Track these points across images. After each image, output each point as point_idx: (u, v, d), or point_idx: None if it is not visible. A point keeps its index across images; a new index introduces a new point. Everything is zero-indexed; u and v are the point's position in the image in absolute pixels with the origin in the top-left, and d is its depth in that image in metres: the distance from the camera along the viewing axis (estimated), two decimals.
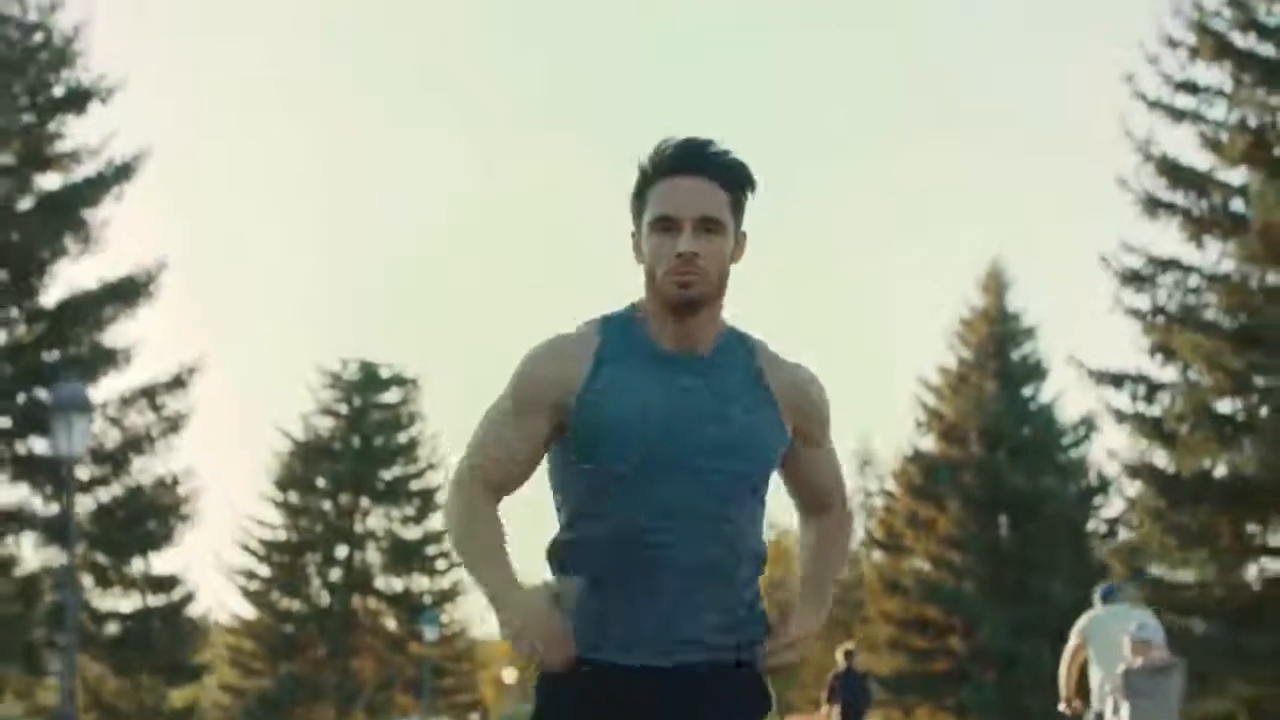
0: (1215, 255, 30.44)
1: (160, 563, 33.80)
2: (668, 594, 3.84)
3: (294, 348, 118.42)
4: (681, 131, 3.88)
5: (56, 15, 32.68)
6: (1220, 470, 30.30)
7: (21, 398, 31.30)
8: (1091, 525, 46.56)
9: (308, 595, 54.28)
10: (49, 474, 31.06)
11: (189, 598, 34.37)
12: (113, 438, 31.81)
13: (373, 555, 55.05)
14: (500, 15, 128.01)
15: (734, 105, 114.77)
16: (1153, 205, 30.50)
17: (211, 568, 57.67)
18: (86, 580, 31.14)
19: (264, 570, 53.99)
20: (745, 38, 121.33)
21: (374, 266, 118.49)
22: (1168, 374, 30.96)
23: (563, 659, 3.76)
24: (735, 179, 3.89)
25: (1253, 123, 30.12)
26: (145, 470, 33.01)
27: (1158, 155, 30.51)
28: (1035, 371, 48.60)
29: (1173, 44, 30.60)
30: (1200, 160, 30.84)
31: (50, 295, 32.46)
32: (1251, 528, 30.04)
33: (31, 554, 31.87)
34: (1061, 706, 13.52)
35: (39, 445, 31.28)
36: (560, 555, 3.98)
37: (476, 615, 60.61)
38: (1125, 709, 12.47)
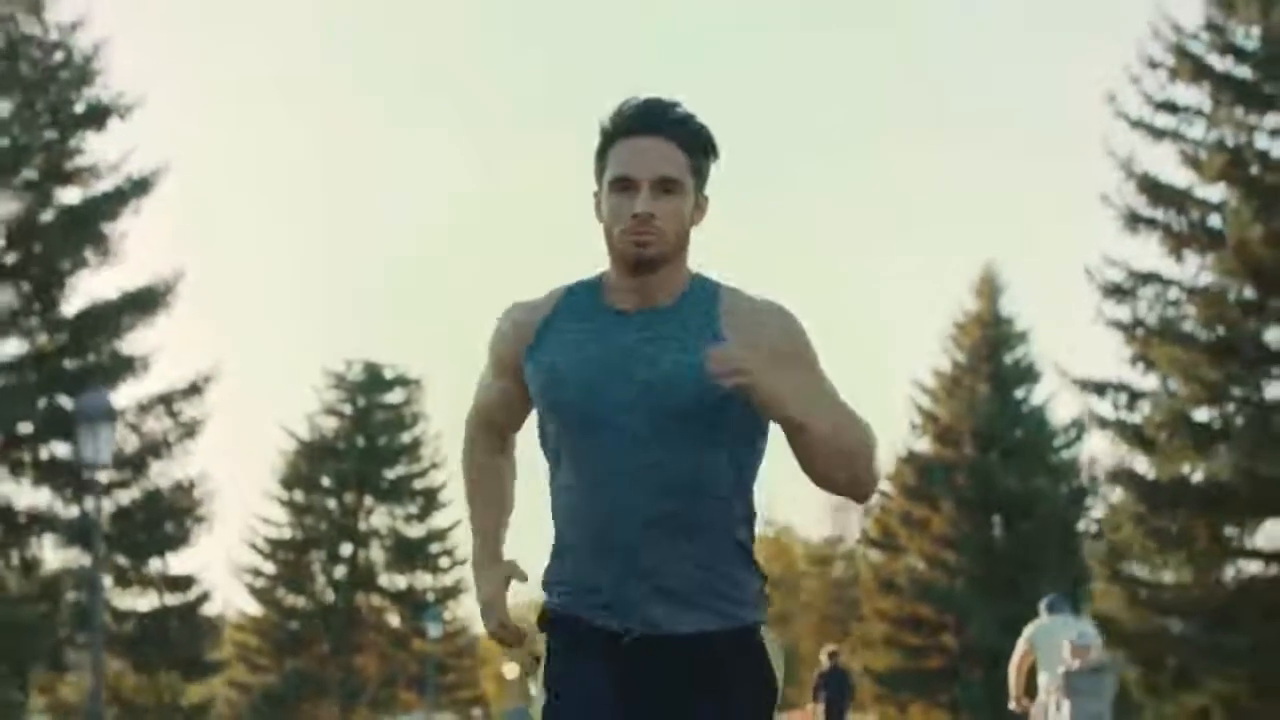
0: (1194, 269, 31.64)
1: (177, 563, 34.98)
2: (623, 550, 3.84)
3: (299, 349, 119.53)
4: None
5: (77, 34, 33.53)
6: (1198, 476, 31.45)
7: (43, 404, 32.20)
8: (1082, 525, 47.66)
9: (313, 592, 55.59)
10: (69, 478, 31.96)
11: (205, 597, 35.55)
12: (132, 443, 32.96)
13: (376, 553, 56.42)
14: (500, 15, 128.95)
15: (732, 105, 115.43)
16: (1134, 221, 31.66)
17: (221, 567, 58.70)
18: (106, 580, 31.83)
19: (269, 568, 55.32)
20: (744, 38, 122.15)
21: (377, 268, 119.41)
22: (1149, 383, 32.12)
23: (506, 641, 4.03)
24: (695, 141, 3.91)
25: (1230, 142, 31.30)
26: (163, 474, 34.05)
27: (1139, 173, 31.70)
28: (1027, 375, 49.85)
29: (1153, 65, 31.82)
30: (1180, 178, 32.02)
31: (71, 305, 33.26)
32: (1228, 531, 31.14)
33: (52, 555, 32.95)
34: (1012, 705, 15.15)
35: (60, 450, 32.15)
36: (552, 514, 4.05)
37: (478, 612, 61.81)
38: (1066, 705, 14.03)
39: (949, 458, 49.25)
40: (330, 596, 55.36)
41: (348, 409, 56.94)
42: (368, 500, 56.21)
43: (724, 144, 3.95)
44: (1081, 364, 66.82)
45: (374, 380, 57.16)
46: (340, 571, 55.73)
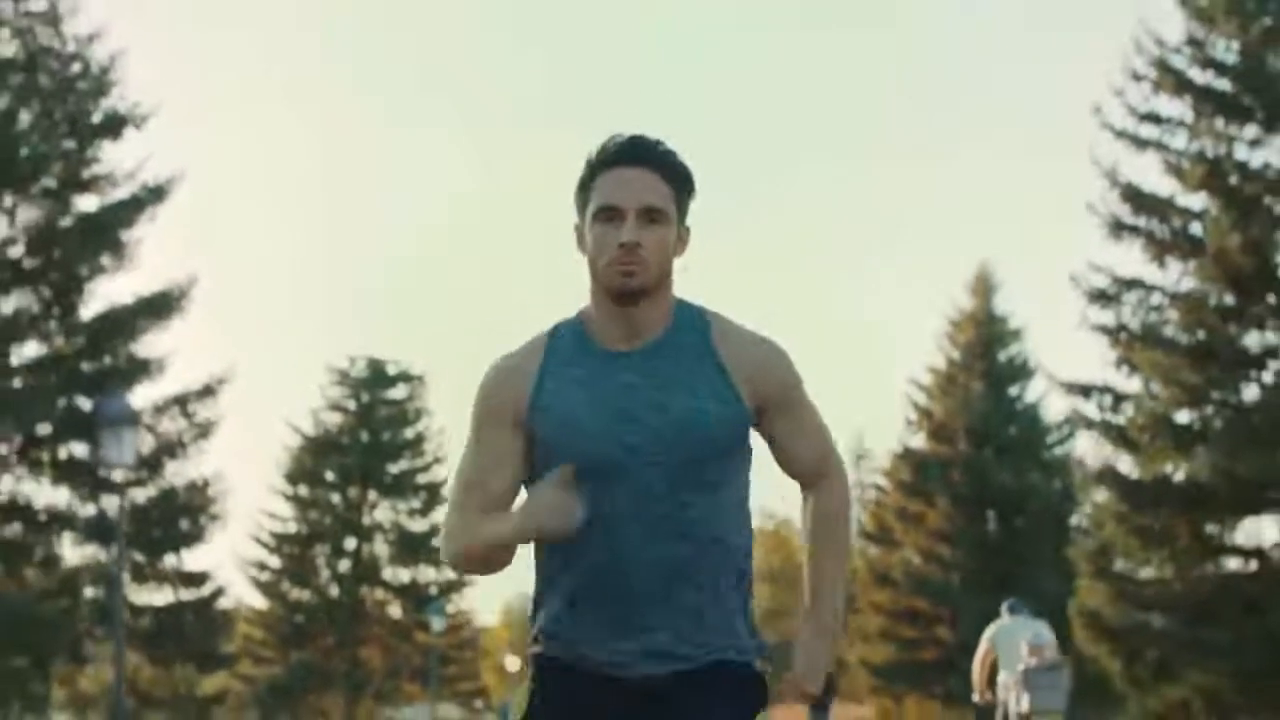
0: (1176, 275, 32.66)
1: (192, 559, 36.20)
2: (630, 596, 3.86)
3: (303, 348, 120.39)
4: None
5: (94, 46, 34.36)
6: (1179, 476, 32.46)
7: (62, 405, 32.96)
8: (1075, 520, 48.81)
9: (317, 586, 56.05)
10: (87, 477, 33.09)
11: (219, 592, 36.87)
12: (148, 443, 33.99)
13: (380, 547, 56.81)
14: (500, 15, 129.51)
15: (732, 105, 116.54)
16: (1118, 228, 32.70)
17: (228, 561, 59.59)
18: (124, 576, 33.41)
19: (275, 561, 55.75)
20: (741, 40, 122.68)
21: (380, 267, 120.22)
22: (1133, 385, 33.13)
23: (570, 523, 3.79)
24: (679, 174, 3.93)
25: (1210, 152, 32.37)
26: (178, 473, 35.22)
27: (1123, 182, 32.78)
28: (1021, 372, 51.09)
29: (1137, 78, 32.93)
30: (1162, 186, 33.03)
31: (88, 309, 34.18)
32: (1208, 529, 32.12)
33: (70, 551, 33.95)
34: (975, 698, 16.64)
35: (78, 450, 33.17)
36: (539, 573, 4.05)
37: (480, 605, 62.70)
38: (1025, 698, 15.50)
39: (944, 454, 50.41)
40: (334, 590, 55.87)
41: (352, 405, 57.53)
42: (371, 495, 56.68)
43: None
44: (1072, 364, 68.18)
45: (378, 376, 57.75)
46: (344, 565, 56.21)
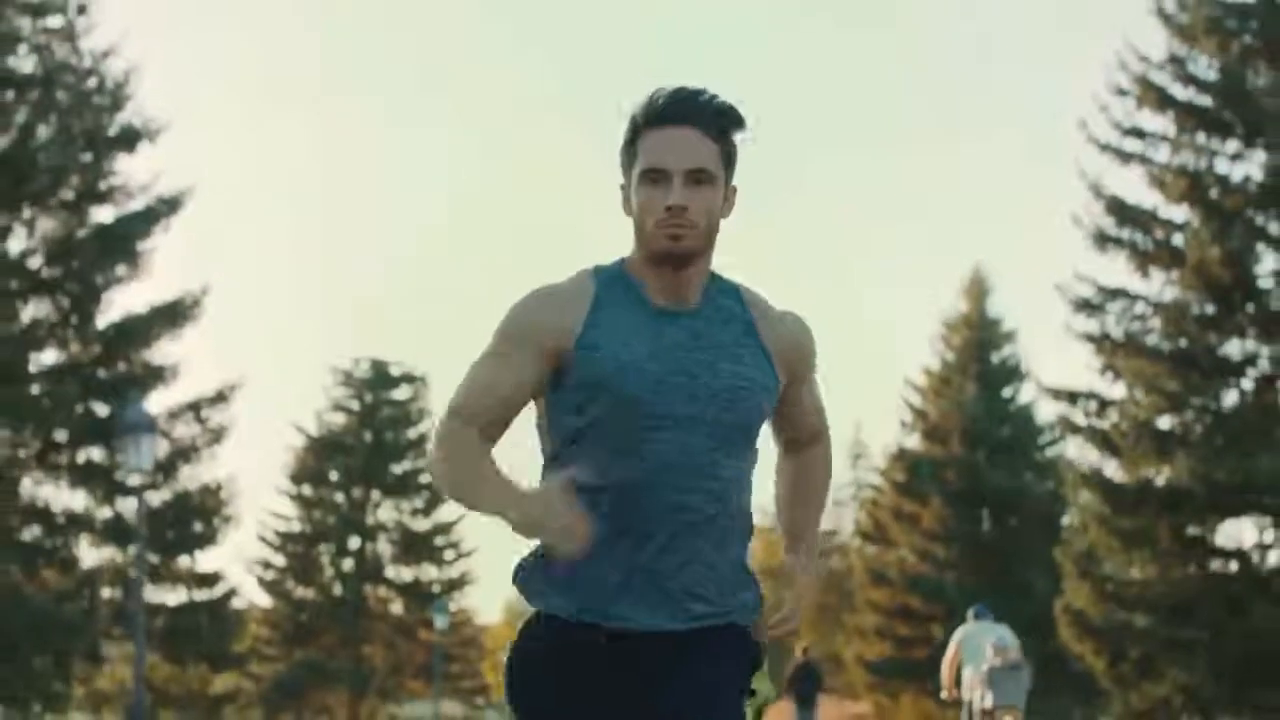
0: (1159, 285, 33.86)
1: (205, 560, 37.55)
2: (659, 548, 3.84)
3: (307, 350, 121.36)
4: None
5: (109, 62, 35.48)
6: (1160, 480, 33.53)
7: (79, 411, 34.09)
8: (1067, 520, 49.79)
9: (321, 584, 56.84)
10: (103, 480, 34.33)
11: (231, 592, 38.19)
12: (163, 448, 35.11)
13: (383, 546, 57.59)
14: (500, 14, 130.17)
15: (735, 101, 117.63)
16: (1102, 239, 33.93)
17: (234, 560, 60.70)
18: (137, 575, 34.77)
19: (279, 560, 56.48)
20: (739, 41, 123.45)
21: (383, 268, 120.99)
22: (1117, 391, 34.35)
23: (580, 542, 3.68)
24: (725, 128, 3.90)
25: (1191, 166, 33.61)
26: (192, 477, 36.42)
27: (1108, 195, 33.99)
28: (1014, 374, 52.04)
29: (1121, 93, 34.19)
30: (1146, 199, 34.25)
31: (104, 318, 35.16)
32: (1188, 531, 33.29)
33: (87, 553, 35.10)
34: (943, 694, 18.18)
35: (95, 454, 34.34)
36: None
37: (482, 603, 63.83)
38: (989, 695, 17.02)
39: (938, 455, 51.32)
40: (338, 588, 56.68)
41: (355, 405, 58.35)
42: (375, 494, 57.46)
43: (714, 91, 3.95)
44: (1064, 366, 69.08)
45: (381, 377, 58.55)
46: (348, 564, 57.10)
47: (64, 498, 34.92)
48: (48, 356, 35.01)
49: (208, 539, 36.89)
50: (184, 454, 36.17)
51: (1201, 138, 33.98)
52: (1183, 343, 33.59)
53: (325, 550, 57.45)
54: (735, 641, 3.99)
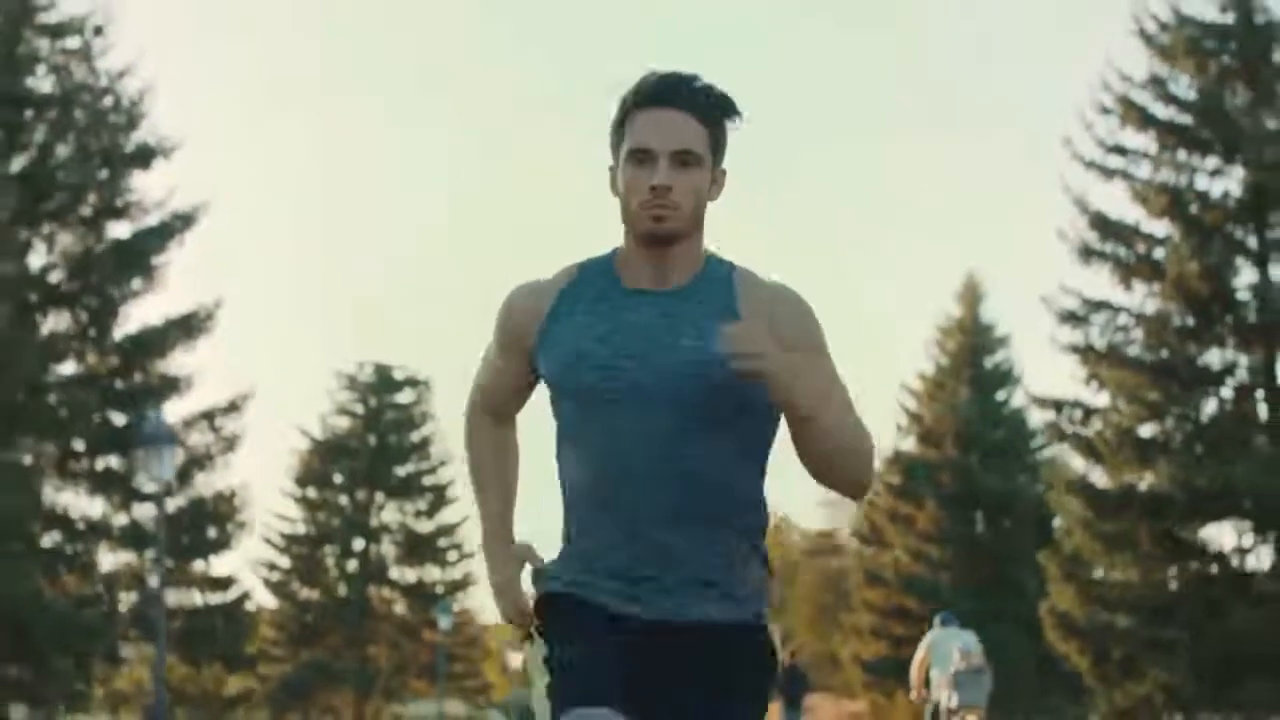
0: (1140, 298, 35.13)
1: (219, 565, 39.14)
2: (635, 535, 3.83)
3: (310, 354, 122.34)
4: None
5: (124, 81, 36.68)
6: (1142, 486, 34.72)
7: (97, 420, 35.41)
8: (1058, 522, 50.98)
9: (326, 586, 57.69)
10: (120, 487, 35.62)
11: (245, 595, 39.71)
12: (178, 456, 36.66)
13: (387, 547, 58.55)
14: (502, 15, 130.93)
15: (735, 99, 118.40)
16: (1087, 253, 35.24)
17: (242, 563, 61.77)
18: (155, 580, 35.82)
19: (285, 562, 57.31)
20: (743, 37, 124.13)
21: (386, 273, 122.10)
22: (1101, 399, 35.62)
23: (522, 624, 3.94)
24: (715, 112, 3.87)
25: (1171, 182, 34.94)
26: (206, 484, 37.69)
27: (1092, 210, 35.29)
28: (1007, 378, 53.15)
29: (1105, 111, 35.56)
30: (1129, 214, 35.50)
31: (121, 330, 36.34)
32: (1169, 535, 34.45)
33: (105, 558, 36.32)
34: (912, 695, 19.87)
35: (113, 462, 35.59)
36: (563, 495, 4.00)
37: (485, 605, 64.66)
38: (955, 696, 18.69)
39: (933, 458, 52.41)
40: (343, 589, 57.52)
41: (359, 409, 59.32)
42: (379, 497, 58.42)
43: (707, 79, 3.91)
44: (1055, 372, 69.96)
45: (384, 381, 59.55)
46: (353, 565, 57.99)
47: (82, 504, 36.15)
48: (66, 367, 36.14)
49: (222, 544, 38.19)
50: (198, 462, 37.41)
51: (1182, 155, 35.22)
52: (1164, 353, 34.76)
53: (330, 552, 58.31)
54: (743, 642, 3.91)
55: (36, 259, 36.09)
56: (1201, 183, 35.31)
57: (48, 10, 36.62)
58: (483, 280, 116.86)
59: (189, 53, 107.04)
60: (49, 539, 35.85)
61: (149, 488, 33.26)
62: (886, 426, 54.16)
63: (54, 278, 36.07)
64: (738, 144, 3.97)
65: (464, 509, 59.05)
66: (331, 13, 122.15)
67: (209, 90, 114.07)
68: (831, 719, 52.28)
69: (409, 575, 59.20)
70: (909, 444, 54.17)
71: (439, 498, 59.38)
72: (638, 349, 3.85)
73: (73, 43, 36.78)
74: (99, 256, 36.21)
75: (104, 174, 36.54)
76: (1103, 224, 35.61)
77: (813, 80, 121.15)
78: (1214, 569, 34.92)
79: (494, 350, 4.11)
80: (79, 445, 35.92)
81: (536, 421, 4.14)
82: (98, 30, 36.81)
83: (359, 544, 58.42)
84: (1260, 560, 34.82)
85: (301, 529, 58.38)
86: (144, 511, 36.09)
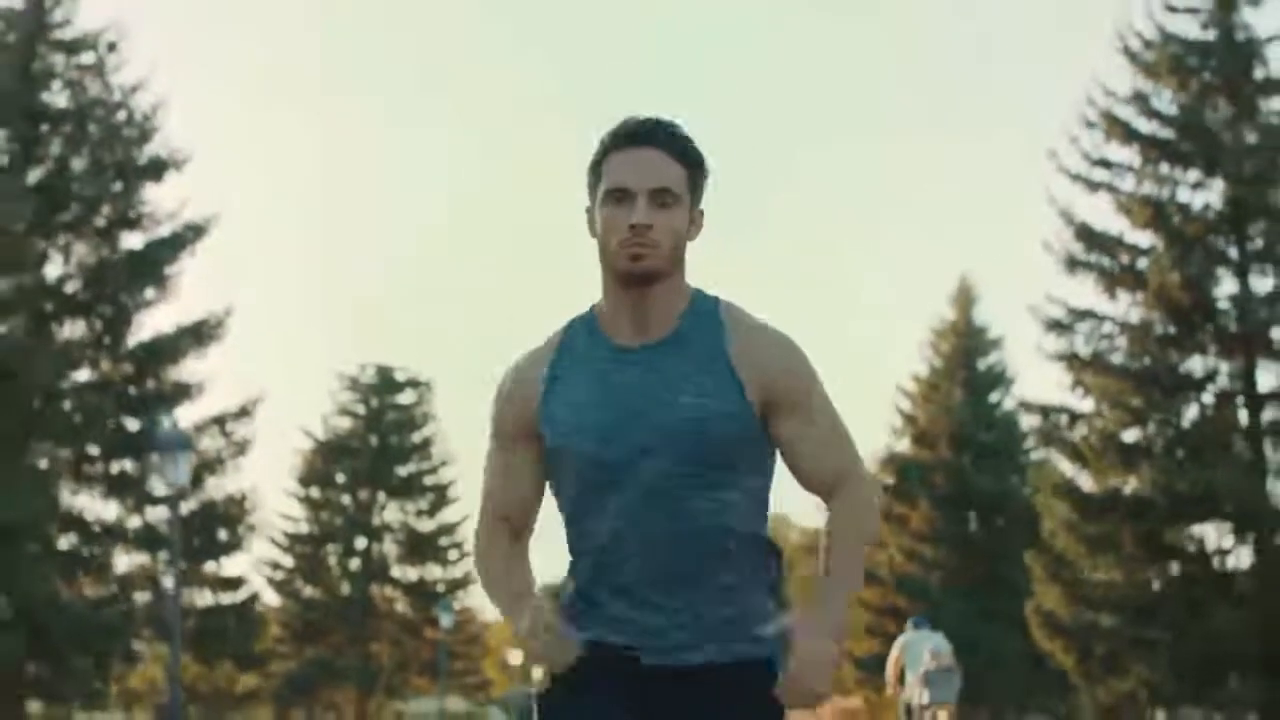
0: (1124, 307, 36.22)
1: (230, 565, 40.24)
2: (639, 601, 3.85)
3: (312, 356, 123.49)
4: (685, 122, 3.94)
5: (137, 96, 37.97)
6: (1126, 489, 35.77)
7: (111, 426, 36.57)
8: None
9: (329, 584, 58.67)
10: (134, 491, 36.87)
11: (255, 596, 41.15)
12: (191, 460, 37.93)
13: (389, 546, 59.69)
14: (502, 15, 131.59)
15: (733, 101, 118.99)
16: (1072, 264, 36.37)
17: (246, 562, 62.61)
18: (169, 581, 36.51)
19: (288, 561, 58.29)
20: (743, 36, 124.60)
21: (387, 274, 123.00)
22: (1086, 405, 36.69)
23: (564, 659, 3.83)
24: (692, 155, 3.89)
25: (1154, 195, 36.05)
26: (217, 487, 38.94)
27: (1077, 222, 36.41)
28: (999, 380, 54.19)
29: (1090, 125, 36.71)
30: (1113, 225, 36.54)
31: (134, 338, 37.49)
32: (1150, 537, 35.44)
33: (120, 559, 37.47)
34: (888, 691, 21.48)
35: (127, 466, 36.80)
36: (572, 573, 4.02)
37: (485, 603, 65.54)
38: (926, 693, 20.32)
39: (926, 459, 53.42)
40: (346, 588, 58.49)
41: (361, 410, 60.45)
42: (381, 496, 59.52)
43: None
44: (1046, 374, 70.83)
45: (386, 383, 60.73)
46: (355, 564, 59.05)
47: (97, 508, 37.35)
48: (81, 374, 37.26)
49: (233, 545, 39.51)
50: (210, 466, 38.62)
51: (1164, 168, 36.29)
52: (1147, 361, 35.82)
53: (333, 551, 59.30)
54: (754, 679, 3.90)
55: (53, 269, 37.27)
56: (1183, 195, 36.34)
57: (63, 27, 37.80)
58: (482, 282, 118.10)
59: (188, 56, 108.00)
60: (65, 541, 37.01)
61: (162, 491, 34.66)
62: (881, 427, 55.08)
63: (70, 287, 37.22)
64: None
65: (464, 508, 60.41)
66: (331, 14, 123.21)
67: (209, 97, 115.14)
68: (827, 715, 53.37)
69: (410, 574, 60.12)
70: (903, 445, 55.03)
71: (440, 497, 60.35)
72: (632, 410, 3.85)
73: (87, 58, 37.99)
74: (113, 266, 37.30)
75: (118, 186, 37.65)
76: (1088, 235, 36.61)
77: (810, 80, 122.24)
78: (1195, 570, 35.80)
79: (496, 448, 4.04)
80: (94, 450, 36.98)
81: None
82: (111, 46, 38.01)
83: (361, 543, 59.33)
84: (1240, 561, 35.81)
85: (305, 528, 59.30)
86: (157, 514, 37.25)
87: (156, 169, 38.34)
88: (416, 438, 60.87)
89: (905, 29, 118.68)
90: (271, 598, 57.56)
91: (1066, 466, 37.56)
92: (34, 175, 36.90)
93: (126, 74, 38.57)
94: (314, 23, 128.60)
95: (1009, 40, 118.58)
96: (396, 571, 60.13)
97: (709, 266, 4.47)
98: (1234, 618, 34.35)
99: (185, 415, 38.36)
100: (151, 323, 39.17)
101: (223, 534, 39.28)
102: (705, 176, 3.95)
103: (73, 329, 37.42)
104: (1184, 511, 35.21)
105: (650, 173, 3.84)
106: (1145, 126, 36.85)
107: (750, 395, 3.85)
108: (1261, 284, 36.03)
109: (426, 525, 60.29)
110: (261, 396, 39.87)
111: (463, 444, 60.33)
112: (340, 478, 59.80)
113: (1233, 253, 36.15)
